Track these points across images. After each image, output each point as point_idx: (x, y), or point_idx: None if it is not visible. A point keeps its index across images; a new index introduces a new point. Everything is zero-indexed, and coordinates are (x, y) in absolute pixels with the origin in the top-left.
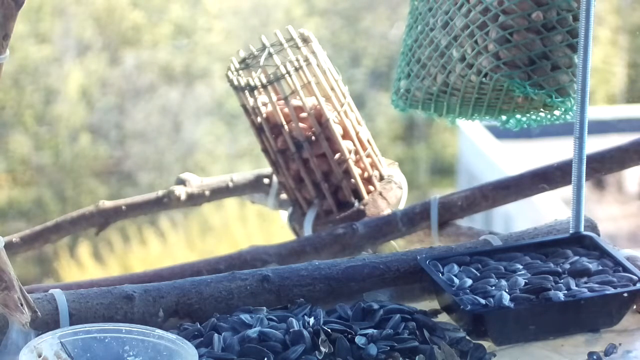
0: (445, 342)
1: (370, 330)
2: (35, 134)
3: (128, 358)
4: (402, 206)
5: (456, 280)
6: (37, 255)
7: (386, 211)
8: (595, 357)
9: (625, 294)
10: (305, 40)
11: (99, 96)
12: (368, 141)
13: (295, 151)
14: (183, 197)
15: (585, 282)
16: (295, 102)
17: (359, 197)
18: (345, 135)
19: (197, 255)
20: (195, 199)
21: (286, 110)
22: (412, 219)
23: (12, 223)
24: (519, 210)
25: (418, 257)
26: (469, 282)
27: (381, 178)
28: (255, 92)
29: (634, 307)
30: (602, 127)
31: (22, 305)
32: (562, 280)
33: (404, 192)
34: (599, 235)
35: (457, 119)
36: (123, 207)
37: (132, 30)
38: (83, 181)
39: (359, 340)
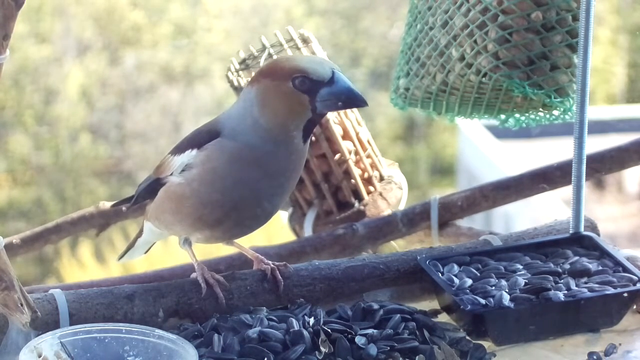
0: (445, 342)
1: (370, 330)
2: (35, 134)
3: (128, 358)
4: (402, 206)
5: (456, 280)
6: (37, 256)
7: (386, 212)
8: (595, 357)
9: (625, 294)
10: (305, 40)
11: (99, 96)
12: (368, 142)
13: None
14: None
15: (585, 282)
16: None
17: (359, 197)
18: (346, 136)
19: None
20: None
21: None
22: (412, 220)
23: (12, 223)
24: (519, 210)
25: (418, 257)
26: (469, 282)
27: (381, 178)
28: None
29: (634, 307)
30: (602, 127)
31: (22, 305)
32: (562, 281)
33: (404, 193)
34: (599, 235)
35: (456, 117)
36: (123, 208)
37: (132, 30)
38: (83, 181)
39: (359, 340)
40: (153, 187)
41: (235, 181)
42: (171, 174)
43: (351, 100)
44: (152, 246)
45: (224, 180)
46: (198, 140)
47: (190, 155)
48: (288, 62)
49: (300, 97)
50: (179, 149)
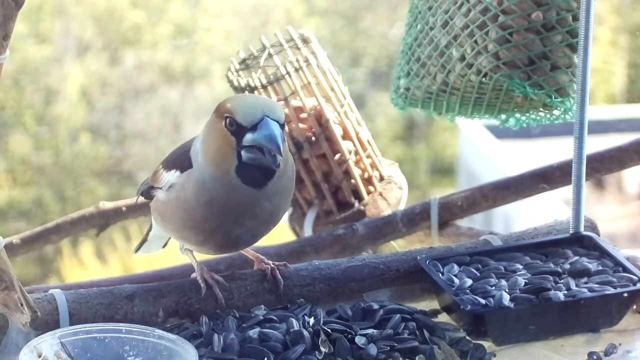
0: (445, 342)
1: (370, 330)
2: (35, 134)
3: (128, 358)
4: (402, 206)
5: (456, 280)
6: (37, 255)
7: (386, 212)
8: (595, 357)
9: (625, 294)
10: (305, 40)
11: (99, 96)
12: (368, 142)
13: (295, 152)
14: None
15: (585, 282)
16: (295, 102)
17: (359, 197)
18: (346, 136)
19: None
20: None
21: (286, 110)
22: (412, 219)
23: (12, 223)
24: (519, 210)
25: (418, 257)
26: (469, 282)
27: (381, 178)
28: (256, 92)
29: (634, 307)
30: (602, 127)
31: (22, 305)
32: (562, 281)
33: (404, 193)
34: (599, 235)
35: (457, 117)
36: (123, 208)
37: (132, 30)
38: (83, 181)
39: (359, 340)
40: (149, 191)
41: (203, 214)
42: (161, 188)
43: (267, 150)
44: (168, 240)
45: (195, 211)
46: (181, 162)
47: (173, 175)
48: (229, 100)
49: (229, 138)
50: (168, 164)
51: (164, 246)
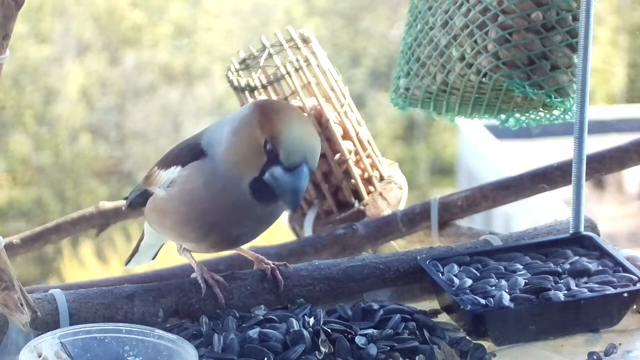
0: (445, 342)
1: (370, 330)
2: (35, 134)
3: (128, 358)
4: (402, 206)
5: (456, 280)
6: (37, 256)
7: (386, 211)
8: (595, 357)
9: (625, 294)
10: (305, 40)
11: (99, 96)
12: (368, 141)
13: None
14: None
15: (585, 282)
16: (295, 102)
17: (359, 197)
18: (346, 136)
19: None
20: None
21: None
22: (412, 219)
23: (12, 223)
24: (519, 210)
25: (418, 257)
26: (469, 282)
27: (381, 178)
28: (256, 92)
29: (634, 307)
30: (602, 127)
31: (22, 305)
32: (562, 280)
33: (404, 193)
34: (599, 235)
35: (456, 117)
36: (123, 208)
37: (132, 30)
38: (83, 181)
39: (359, 340)
40: (143, 196)
41: (211, 206)
42: (158, 187)
43: (285, 197)
44: (158, 251)
45: (201, 202)
46: (182, 157)
47: (174, 171)
48: (280, 124)
49: (260, 153)
50: (166, 164)
51: (153, 258)
